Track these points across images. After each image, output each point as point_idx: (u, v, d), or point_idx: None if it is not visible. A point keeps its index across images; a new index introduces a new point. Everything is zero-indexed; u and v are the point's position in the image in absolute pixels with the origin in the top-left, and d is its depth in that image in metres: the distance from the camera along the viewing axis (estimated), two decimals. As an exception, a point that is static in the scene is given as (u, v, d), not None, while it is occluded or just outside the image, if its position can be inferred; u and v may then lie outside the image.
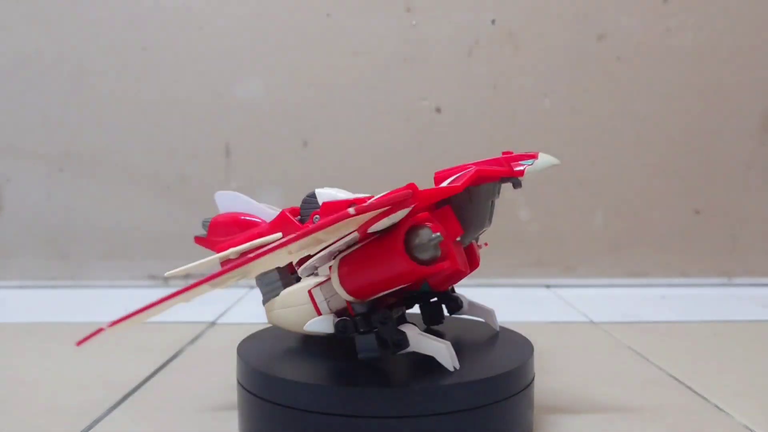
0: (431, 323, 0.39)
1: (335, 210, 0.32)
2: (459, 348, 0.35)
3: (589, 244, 0.82)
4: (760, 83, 0.81)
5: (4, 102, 0.81)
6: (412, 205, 0.29)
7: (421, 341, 0.31)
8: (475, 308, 0.38)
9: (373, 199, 0.31)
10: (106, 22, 0.80)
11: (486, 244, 0.39)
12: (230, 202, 0.39)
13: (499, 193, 0.33)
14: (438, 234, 0.29)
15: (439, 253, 0.29)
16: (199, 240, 0.39)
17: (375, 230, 0.29)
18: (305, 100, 0.81)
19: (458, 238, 0.31)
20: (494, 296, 0.75)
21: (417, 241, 0.29)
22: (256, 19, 0.80)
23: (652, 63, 0.80)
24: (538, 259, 0.82)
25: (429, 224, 0.29)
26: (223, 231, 0.38)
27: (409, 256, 0.29)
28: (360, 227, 0.29)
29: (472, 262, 0.34)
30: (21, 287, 0.81)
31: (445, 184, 0.31)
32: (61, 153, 0.81)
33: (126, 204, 0.81)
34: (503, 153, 0.32)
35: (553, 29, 0.80)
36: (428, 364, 0.32)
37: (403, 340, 0.31)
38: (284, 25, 0.80)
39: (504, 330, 0.39)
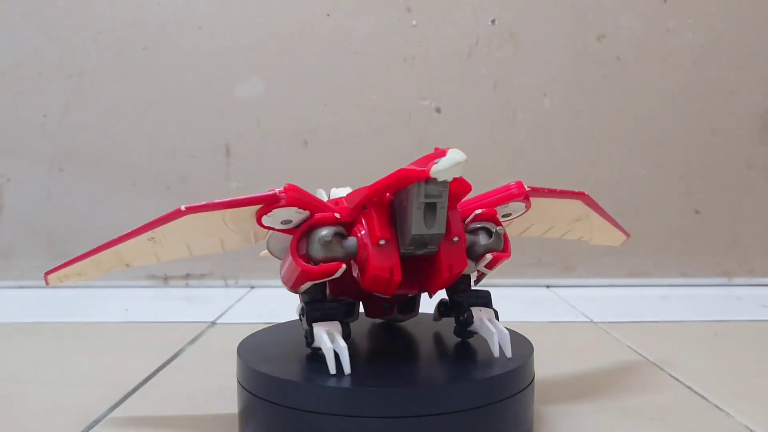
0: (463, 336, 0.36)
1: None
2: (460, 348, 0.36)
3: (589, 244, 0.82)
4: (760, 83, 0.81)
5: (4, 102, 0.81)
6: (288, 204, 0.30)
7: (321, 339, 0.31)
8: (483, 327, 0.34)
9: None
10: (106, 22, 0.80)
11: (498, 258, 0.33)
12: None
13: (443, 195, 0.29)
14: (325, 233, 0.30)
15: (332, 253, 0.30)
16: None
17: (272, 226, 0.32)
18: (305, 100, 0.81)
19: (382, 242, 0.30)
20: (494, 296, 0.75)
21: (307, 239, 0.31)
22: (256, 18, 0.80)
23: (652, 63, 0.80)
24: (538, 259, 0.82)
25: (326, 224, 0.31)
26: None
27: (304, 254, 0.31)
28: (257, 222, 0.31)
29: (434, 272, 0.32)
30: (21, 287, 0.81)
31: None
32: (61, 153, 0.81)
33: (126, 204, 0.81)
34: (435, 149, 0.29)
35: (553, 29, 0.80)
36: (428, 364, 0.33)
37: (309, 334, 0.32)
38: (284, 25, 0.80)
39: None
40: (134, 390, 0.42)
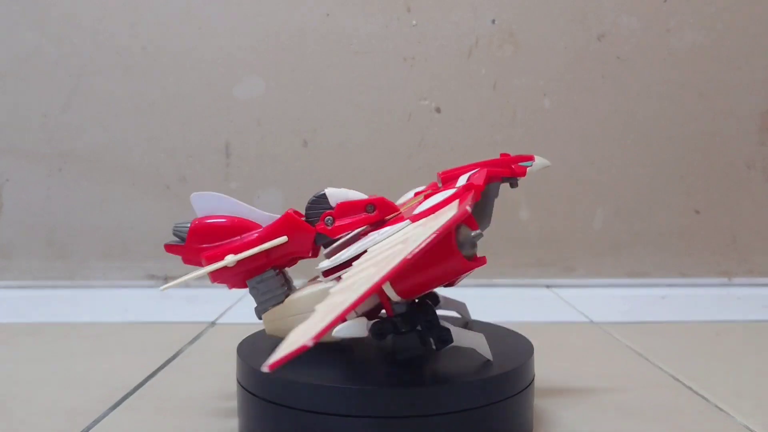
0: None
1: (351, 210, 0.34)
2: (460, 349, 0.36)
3: (589, 244, 0.82)
4: (760, 83, 0.81)
5: (4, 102, 0.81)
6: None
7: (461, 335, 0.31)
8: (449, 302, 0.39)
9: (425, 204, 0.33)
10: (106, 22, 0.80)
11: None
12: (213, 203, 0.36)
13: (498, 193, 0.34)
14: (478, 231, 0.30)
15: (476, 250, 0.31)
16: (171, 248, 0.36)
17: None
18: (305, 100, 0.81)
19: None
20: (494, 296, 0.75)
21: (461, 238, 0.30)
22: (256, 18, 0.80)
23: (652, 63, 0.80)
24: (538, 259, 0.82)
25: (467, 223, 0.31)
26: (210, 236, 0.35)
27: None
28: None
29: None
30: (21, 287, 0.81)
31: (460, 183, 0.33)
32: (61, 153, 0.81)
33: (126, 204, 0.81)
34: (501, 155, 0.35)
35: (553, 29, 0.80)
36: (428, 364, 0.33)
37: (448, 336, 0.31)
38: (284, 25, 0.80)
39: (504, 330, 0.39)
40: (134, 390, 0.42)
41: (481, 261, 0.31)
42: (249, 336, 0.38)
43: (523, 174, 0.34)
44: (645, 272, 0.82)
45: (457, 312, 0.39)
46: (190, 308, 0.70)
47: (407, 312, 0.31)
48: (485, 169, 0.33)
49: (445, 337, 0.31)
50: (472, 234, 0.30)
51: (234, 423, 0.35)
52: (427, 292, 0.32)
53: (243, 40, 0.80)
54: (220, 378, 0.43)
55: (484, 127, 0.81)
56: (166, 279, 0.81)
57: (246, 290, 0.37)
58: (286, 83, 0.81)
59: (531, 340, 0.37)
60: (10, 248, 0.82)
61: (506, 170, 0.34)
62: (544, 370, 0.45)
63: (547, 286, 0.81)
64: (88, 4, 0.80)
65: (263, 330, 0.40)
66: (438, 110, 0.81)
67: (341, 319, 0.23)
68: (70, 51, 0.80)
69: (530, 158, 0.34)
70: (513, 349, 0.35)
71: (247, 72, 0.81)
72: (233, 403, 0.35)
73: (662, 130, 0.81)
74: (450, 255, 0.30)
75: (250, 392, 0.32)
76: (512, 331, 0.38)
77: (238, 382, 0.34)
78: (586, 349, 0.52)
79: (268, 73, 0.81)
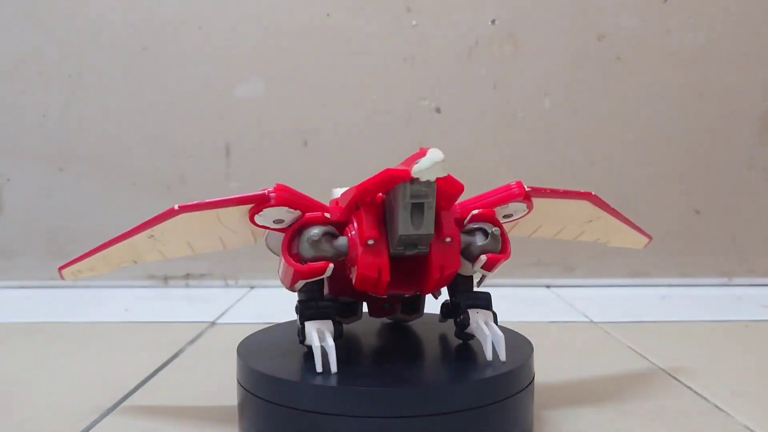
0: (462, 338, 0.36)
1: None
2: (461, 349, 0.36)
3: (589, 244, 0.82)
4: (760, 84, 0.81)
5: (4, 102, 0.81)
6: (277, 203, 0.31)
7: (311, 337, 0.31)
8: (478, 329, 0.33)
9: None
10: (106, 22, 0.80)
11: (495, 259, 0.33)
12: None
13: (429, 195, 0.29)
14: (314, 233, 0.30)
15: (321, 252, 0.30)
16: None
17: (266, 225, 0.32)
18: (305, 101, 0.81)
19: (371, 242, 0.30)
20: (494, 296, 0.75)
21: (298, 238, 0.31)
22: (256, 18, 0.80)
23: (652, 63, 0.80)
24: (538, 259, 0.82)
25: (316, 223, 0.31)
26: None
27: (295, 253, 0.31)
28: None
29: (426, 273, 0.31)
30: (21, 287, 0.81)
31: None
32: (61, 153, 0.81)
33: (126, 204, 0.81)
34: (420, 149, 0.29)
35: (553, 29, 0.80)
36: (429, 364, 0.33)
37: (301, 332, 0.32)
38: (284, 25, 0.80)
39: (504, 330, 0.39)
40: (134, 390, 0.42)
41: (315, 267, 0.30)
42: (249, 336, 0.38)
43: (407, 174, 0.28)
44: (645, 272, 0.82)
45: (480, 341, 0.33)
46: (190, 308, 0.70)
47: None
48: (383, 170, 0.29)
49: (300, 332, 0.33)
50: (309, 235, 0.31)
51: (234, 423, 0.35)
52: (296, 285, 0.32)
53: (243, 40, 0.80)
54: (220, 378, 0.43)
55: (484, 127, 0.81)
56: (166, 279, 0.81)
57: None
58: (286, 83, 0.81)
59: (531, 340, 0.37)
60: (10, 248, 0.82)
61: (403, 171, 0.28)
62: (544, 370, 0.45)
63: (547, 286, 0.81)
64: (88, 4, 0.80)
65: (263, 330, 0.40)
66: (438, 110, 0.81)
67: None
68: (70, 51, 0.80)
69: (419, 155, 0.28)
70: (513, 349, 0.35)
71: (247, 72, 0.81)
72: (233, 403, 0.35)
73: (662, 130, 0.81)
74: (282, 252, 0.32)
75: (250, 392, 0.32)
76: (512, 331, 0.38)
77: (238, 382, 0.34)
78: (586, 349, 0.52)
79: (268, 73, 0.81)
